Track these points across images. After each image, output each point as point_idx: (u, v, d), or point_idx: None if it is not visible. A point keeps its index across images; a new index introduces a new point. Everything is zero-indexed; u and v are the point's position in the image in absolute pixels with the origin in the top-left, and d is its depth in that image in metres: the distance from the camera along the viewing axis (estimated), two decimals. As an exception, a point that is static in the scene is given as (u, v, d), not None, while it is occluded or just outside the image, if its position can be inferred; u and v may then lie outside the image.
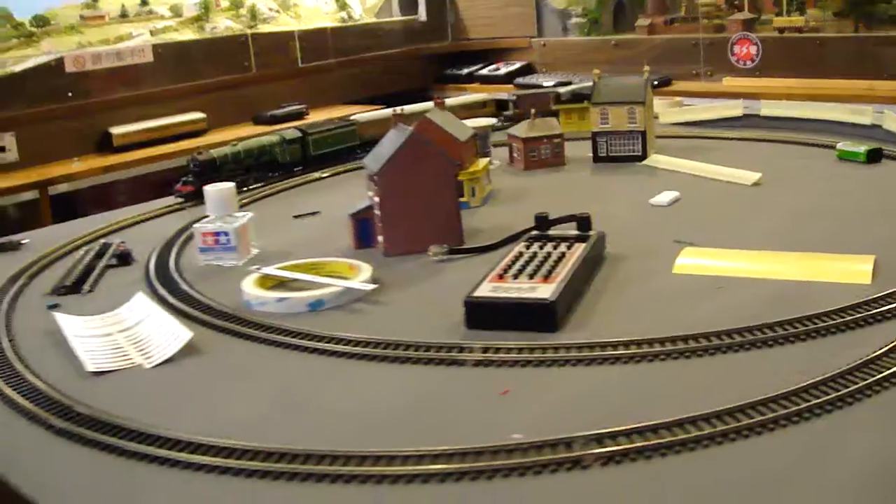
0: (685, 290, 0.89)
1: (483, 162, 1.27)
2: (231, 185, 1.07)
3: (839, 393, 0.66)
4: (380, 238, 1.06)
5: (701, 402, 0.66)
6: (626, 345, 0.76)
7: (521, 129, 1.42)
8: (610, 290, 0.91)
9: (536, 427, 0.65)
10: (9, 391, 0.78)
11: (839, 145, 1.34)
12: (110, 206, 1.49)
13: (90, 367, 0.80)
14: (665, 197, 1.19)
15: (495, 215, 1.18)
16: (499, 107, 1.76)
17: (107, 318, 0.91)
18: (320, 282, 0.93)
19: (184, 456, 0.66)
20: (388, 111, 1.46)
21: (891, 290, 0.82)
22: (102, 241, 1.21)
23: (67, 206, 2.16)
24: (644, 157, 1.40)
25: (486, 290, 0.83)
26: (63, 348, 0.85)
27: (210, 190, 1.06)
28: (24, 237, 1.26)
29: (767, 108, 1.58)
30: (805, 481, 0.57)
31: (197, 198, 1.25)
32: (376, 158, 1.04)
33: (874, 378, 0.67)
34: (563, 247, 0.93)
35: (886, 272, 0.89)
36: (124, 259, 1.11)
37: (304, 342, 0.82)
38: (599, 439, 0.63)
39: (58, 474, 0.66)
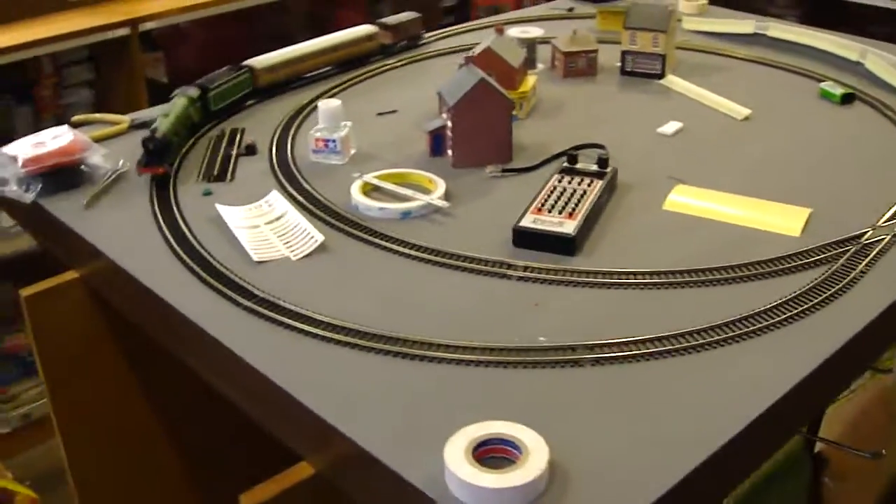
0: (669, 228, 1.23)
1: (531, 80, 1.58)
2: (338, 102, 1.40)
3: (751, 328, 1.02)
4: (449, 152, 1.40)
5: (671, 324, 1.02)
6: (626, 274, 1.11)
7: (563, 43, 1.72)
8: (614, 222, 1.25)
9: (554, 333, 1.02)
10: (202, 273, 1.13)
11: (822, 84, 1.63)
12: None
13: (255, 258, 1.16)
14: (670, 127, 1.51)
15: (537, 131, 1.50)
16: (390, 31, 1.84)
17: (252, 210, 1.27)
18: (407, 194, 1.28)
19: (320, 331, 1.02)
20: (289, 50, 1.65)
21: (812, 246, 1.17)
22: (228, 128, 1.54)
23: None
24: (663, 75, 1.70)
25: (528, 221, 1.19)
26: (227, 235, 1.21)
27: (322, 106, 1.39)
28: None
29: (774, 31, 1.86)
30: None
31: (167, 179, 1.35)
32: (451, 93, 1.36)
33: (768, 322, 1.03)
34: (585, 183, 1.27)
35: (816, 226, 1.22)
36: (251, 150, 1.45)
37: (398, 247, 1.18)
38: (596, 346, 1.00)
39: (248, 341, 1.03)
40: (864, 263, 1.12)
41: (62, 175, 1.34)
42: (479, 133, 1.36)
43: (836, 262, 1.12)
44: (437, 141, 1.40)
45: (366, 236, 1.20)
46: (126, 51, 2.40)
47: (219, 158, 1.41)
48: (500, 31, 1.56)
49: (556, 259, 1.15)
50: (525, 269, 1.13)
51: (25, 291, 1.28)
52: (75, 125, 1.55)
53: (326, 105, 1.38)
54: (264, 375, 0.96)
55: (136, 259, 1.17)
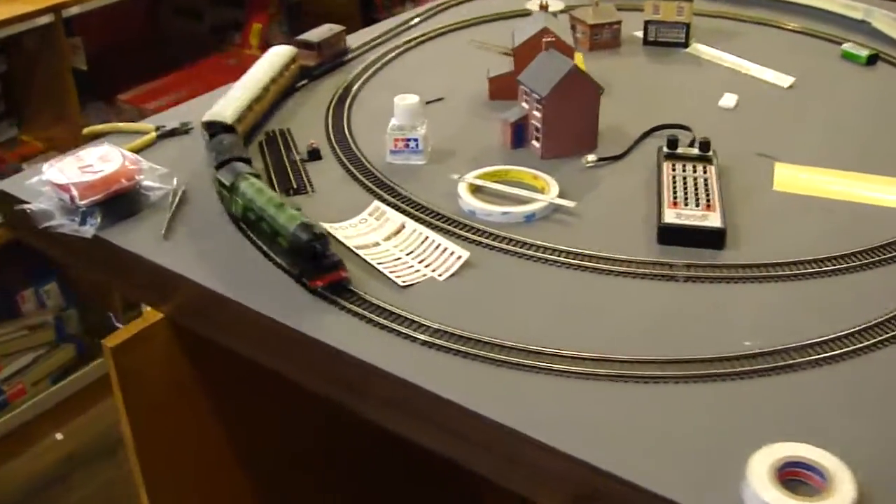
0: (793, 210, 1.19)
1: (579, 56, 1.52)
2: (416, 98, 1.29)
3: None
4: (534, 143, 1.32)
5: (864, 313, 0.99)
6: (788, 265, 1.07)
7: (588, 15, 1.66)
8: (735, 207, 1.21)
9: (754, 337, 0.98)
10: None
11: (844, 46, 1.65)
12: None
13: (400, 283, 1.05)
14: (729, 100, 1.48)
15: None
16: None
17: (360, 226, 1.15)
18: (522, 194, 1.20)
19: (525, 360, 0.93)
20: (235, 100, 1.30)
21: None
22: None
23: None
24: (687, 44, 1.67)
25: (672, 217, 1.13)
26: (342, 253, 1.10)
27: (399, 102, 1.28)
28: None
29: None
30: None
31: None
32: (538, 81, 1.28)
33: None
34: (699, 169, 1.23)
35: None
36: (315, 154, 1.32)
37: (544, 255, 1.09)
38: (808, 346, 0.96)
39: (450, 381, 0.93)
40: None
41: (121, 202, 1.18)
42: (569, 121, 1.29)
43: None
44: (518, 131, 1.32)
45: (502, 245, 1.12)
46: (47, 40, 2.15)
47: (286, 167, 1.27)
48: (544, 7, 1.48)
49: (710, 254, 1.11)
50: (689, 267, 1.08)
51: (110, 342, 1.12)
52: (90, 138, 1.38)
53: (403, 101, 1.28)
54: (489, 419, 0.87)
55: (252, 291, 1.04)
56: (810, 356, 0.94)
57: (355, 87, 1.52)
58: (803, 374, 0.92)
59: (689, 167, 1.23)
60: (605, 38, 1.66)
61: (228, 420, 1.29)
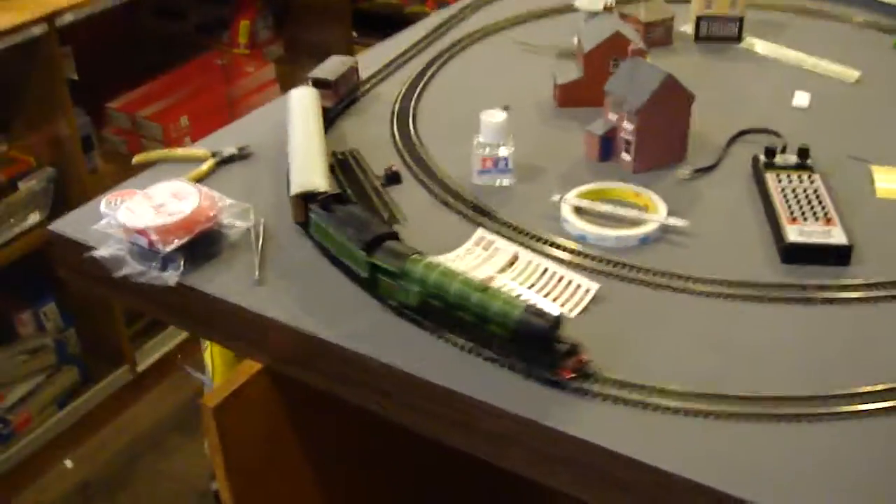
0: None
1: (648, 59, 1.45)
2: (504, 114, 1.21)
3: None
4: (624, 156, 1.25)
5: None
6: (921, 283, 1.04)
7: (641, 13, 1.60)
8: (844, 220, 1.16)
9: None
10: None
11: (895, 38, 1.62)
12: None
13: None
14: (802, 99, 1.43)
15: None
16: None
17: (467, 258, 1.07)
18: (631, 216, 1.14)
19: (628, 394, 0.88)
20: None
21: None
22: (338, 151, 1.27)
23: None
24: (740, 39, 1.62)
25: (795, 235, 1.08)
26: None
27: (487, 119, 1.20)
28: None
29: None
30: None
31: None
32: (630, 92, 1.21)
33: None
34: (806, 181, 1.18)
35: None
36: (395, 178, 1.23)
37: (677, 283, 1.02)
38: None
39: (616, 434, 0.87)
40: None
41: (201, 244, 1.09)
42: (661, 132, 1.23)
43: None
44: (606, 144, 1.26)
45: (624, 273, 1.05)
46: (39, 50, 2.02)
47: (369, 195, 1.19)
48: (609, 9, 1.42)
49: (834, 272, 1.06)
50: (822, 288, 1.03)
51: (210, 401, 1.03)
52: (140, 166, 1.28)
53: (491, 118, 1.20)
54: (683, 478, 0.81)
55: (374, 342, 0.96)
56: None
57: (412, 101, 1.44)
58: None
59: (795, 178, 1.18)
60: (658, 35, 1.60)
61: (326, 469, 1.21)
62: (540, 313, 0.89)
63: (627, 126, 1.23)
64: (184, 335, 2.48)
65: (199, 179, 1.23)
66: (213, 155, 1.28)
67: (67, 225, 1.16)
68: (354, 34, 2.90)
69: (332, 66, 1.42)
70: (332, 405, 1.04)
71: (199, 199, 1.10)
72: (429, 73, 1.53)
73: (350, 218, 1.04)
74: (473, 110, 1.24)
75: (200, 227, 1.07)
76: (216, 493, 1.13)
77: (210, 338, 1.14)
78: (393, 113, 1.40)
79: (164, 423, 2.41)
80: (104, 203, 1.16)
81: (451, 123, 1.36)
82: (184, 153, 1.29)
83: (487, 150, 1.20)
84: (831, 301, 1.02)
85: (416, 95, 1.45)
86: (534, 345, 0.89)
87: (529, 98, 1.44)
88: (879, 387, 0.89)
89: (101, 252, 1.09)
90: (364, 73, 1.50)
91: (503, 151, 1.20)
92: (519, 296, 0.97)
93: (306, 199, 1.09)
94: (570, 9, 1.65)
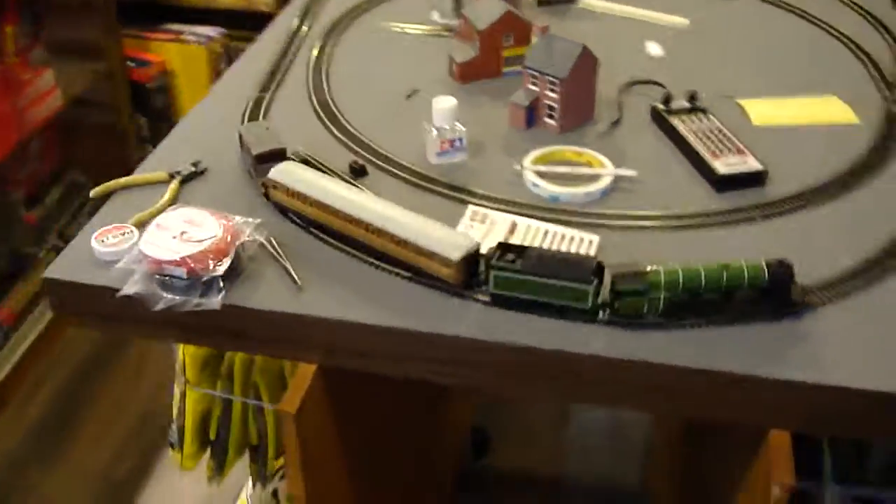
0: (781, 141, 1.39)
1: (522, 31, 1.62)
2: (454, 99, 1.33)
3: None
4: (548, 121, 1.42)
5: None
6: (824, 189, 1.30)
7: (494, -13, 1.75)
8: (739, 145, 1.41)
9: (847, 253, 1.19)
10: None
11: (698, -17, 1.89)
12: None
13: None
14: (656, 49, 1.67)
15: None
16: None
17: (474, 234, 1.19)
18: (587, 172, 1.31)
19: None
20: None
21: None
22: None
23: None
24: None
25: (723, 168, 1.30)
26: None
27: (440, 105, 1.32)
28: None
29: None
30: None
31: None
32: (551, 64, 1.38)
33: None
34: (705, 120, 1.41)
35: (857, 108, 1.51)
36: (360, 171, 1.31)
37: (657, 223, 1.22)
38: None
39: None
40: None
41: (231, 264, 1.13)
42: (579, 96, 1.42)
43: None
44: (530, 113, 1.42)
45: (607, 222, 1.23)
46: None
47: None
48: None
49: (755, 193, 1.29)
50: (759, 207, 1.27)
51: (287, 406, 1.09)
52: (99, 198, 1.28)
53: (443, 104, 1.32)
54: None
55: (425, 315, 1.07)
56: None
57: (327, 97, 1.51)
58: None
59: (696, 119, 1.41)
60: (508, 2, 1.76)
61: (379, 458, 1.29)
62: (775, 264, 1.06)
63: (551, 94, 1.40)
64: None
65: (172, 202, 1.25)
66: (172, 176, 1.30)
67: (80, 272, 1.14)
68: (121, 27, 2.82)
69: (257, 135, 1.32)
70: (377, 396, 1.14)
71: (217, 222, 1.14)
72: (323, 70, 1.60)
73: (537, 259, 1.07)
74: (391, 99, 1.38)
75: (233, 247, 1.12)
76: (275, 491, 1.19)
77: (261, 352, 1.18)
78: (317, 112, 1.47)
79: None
80: (97, 243, 1.16)
81: (379, 115, 1.46)
82: (142, 178, 1.30)
83: (445, 132, 1.33)
84: (769, 217, 1.25)
85: (328, 92, 1.53)
86: (782, 289, 1.06)
87: (427, 77, 1.56)
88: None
89: (131, 289, 1.10)
90: (257, 84, 1.55)
91: (458, 133, 1.33)
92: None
93: (468, 261, 1.09)
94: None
